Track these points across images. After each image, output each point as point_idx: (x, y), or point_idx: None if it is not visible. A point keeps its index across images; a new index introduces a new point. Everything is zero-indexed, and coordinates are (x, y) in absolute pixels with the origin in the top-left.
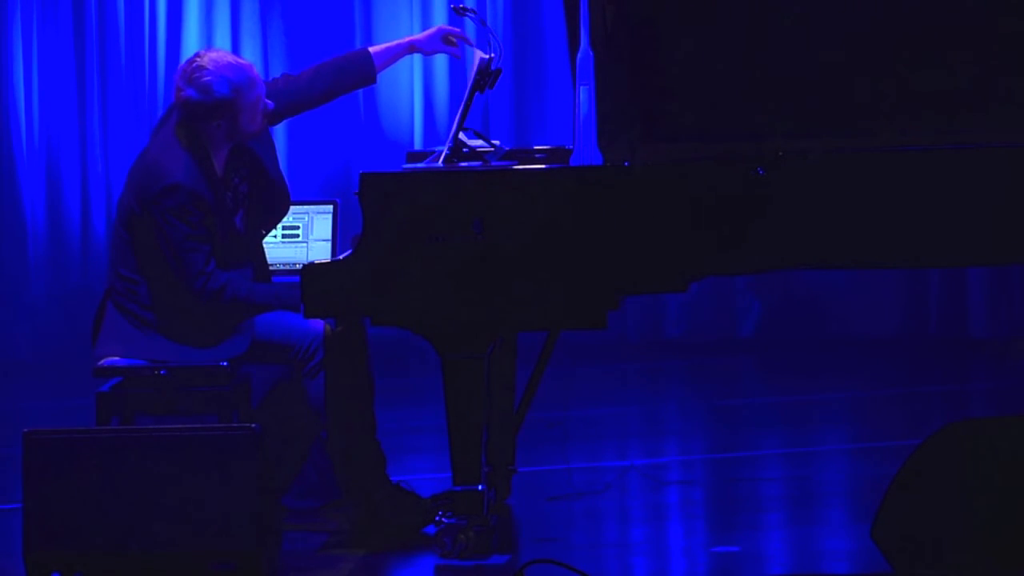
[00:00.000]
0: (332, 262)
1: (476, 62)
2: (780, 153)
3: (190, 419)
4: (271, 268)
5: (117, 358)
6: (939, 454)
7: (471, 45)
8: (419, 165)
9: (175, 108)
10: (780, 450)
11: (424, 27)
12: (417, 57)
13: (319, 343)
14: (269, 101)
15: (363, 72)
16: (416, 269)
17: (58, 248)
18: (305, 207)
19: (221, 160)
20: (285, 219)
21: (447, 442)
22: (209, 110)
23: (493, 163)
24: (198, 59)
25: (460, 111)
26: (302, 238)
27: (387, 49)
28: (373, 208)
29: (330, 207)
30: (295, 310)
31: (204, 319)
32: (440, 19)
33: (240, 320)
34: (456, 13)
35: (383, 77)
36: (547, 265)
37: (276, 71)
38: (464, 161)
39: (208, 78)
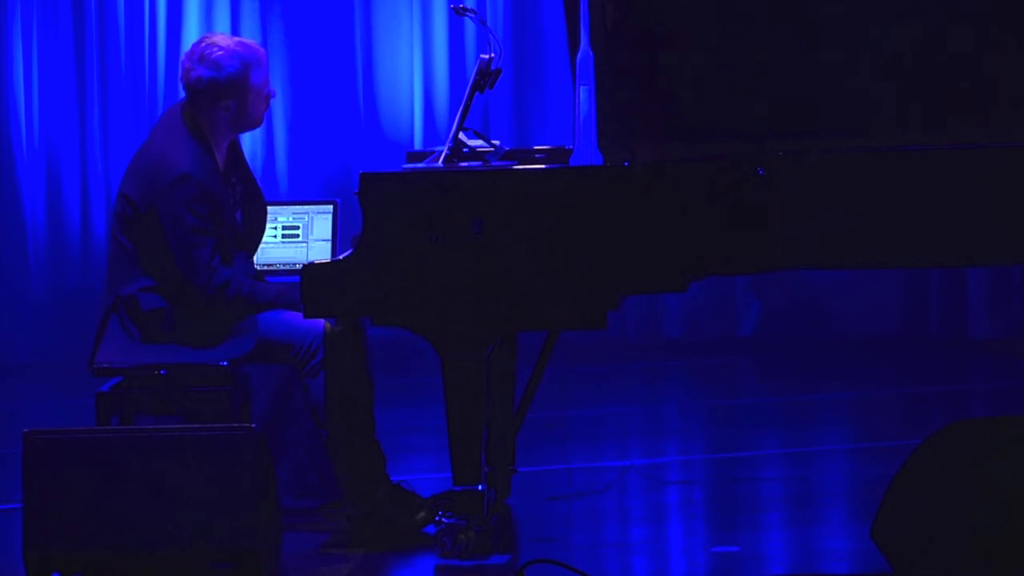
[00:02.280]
0: (332, 262)
1: (476, 62)
2: (780, 153)
3: (190, 419)
4: (271, 268)
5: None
6: (939, 454)
7: None
8: (419, 165)
9: (182, 97)
10: (780, 450)
11: (424, 27)
12: (417, 57)
13: (320, 342)
14: (273, 88)
15: None
16: (416, 269)
17: (58, 248)
18: (305, 207)
19: (222, 155)
20: (285, 219)
21: (447, 442)
22: (220, 89)
23: (493, 163)
24: (207, 39)
25: (460, 111)
26: (302, 238)
27: None
28: (373, 208)
29: (330, 207)
30: (296, 309)
31: (212, 318)
32: (440, 19)
33: (244, 319)
34: (456, 13)
35: (383, 76)
36: (547, 265)
37: (276, 71)
38: (464, 161)
39: (219, 54)
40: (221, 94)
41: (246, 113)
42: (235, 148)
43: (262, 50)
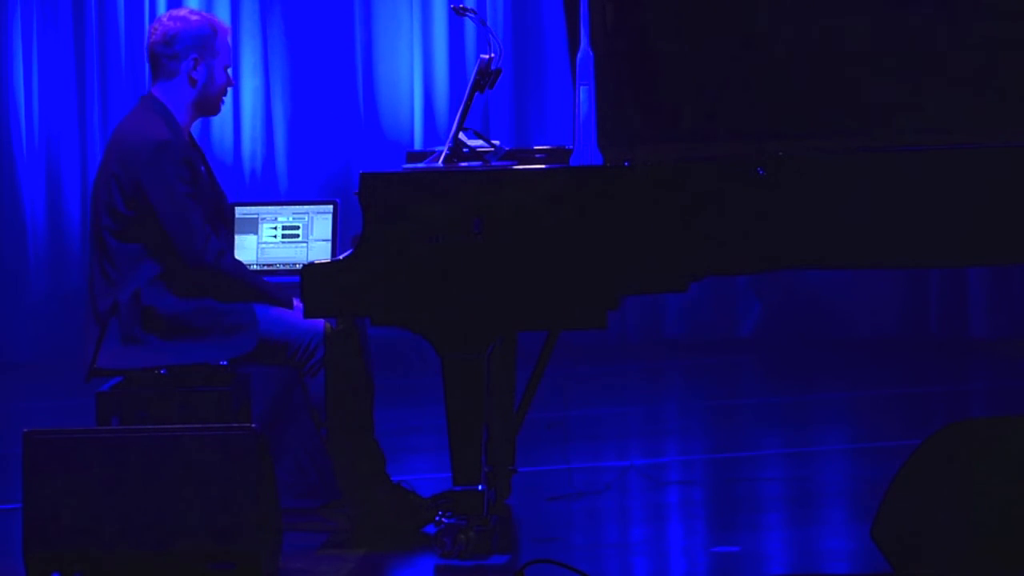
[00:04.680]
0: (332, 262)
1: (476, 62)
2: (780, 153)
3: (190, 419)
4: (271, 268)
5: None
6: (939, 454)
7: None
8: (419, 165)
9: (149, 65)
10: (780, 450)
11: (424, 27)
12: (417, 57)
13: (319, 340)
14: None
15: None
16: (416, 269)
17: (58, 248)
18: (305, 207)
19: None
20: (285, 219)
21: (447, 442)
22: (187, 40)
23: (493, 163)
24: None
25: (460, 111)
26: (302, 238)
27: None
28: (373, 208)
29: (330, 207)
30: (286, 306)
31: (216, 308)
32: (440, 19)
33: (244, 315)
34: (456, 13)
35: (383, 76)
36: (547, 265)
37: (276, 71)
38: (464, 161)
39: (185, 12)
40: (189, 45)
41: (211, 82)
42: (192, 138)
43: (228, 27)
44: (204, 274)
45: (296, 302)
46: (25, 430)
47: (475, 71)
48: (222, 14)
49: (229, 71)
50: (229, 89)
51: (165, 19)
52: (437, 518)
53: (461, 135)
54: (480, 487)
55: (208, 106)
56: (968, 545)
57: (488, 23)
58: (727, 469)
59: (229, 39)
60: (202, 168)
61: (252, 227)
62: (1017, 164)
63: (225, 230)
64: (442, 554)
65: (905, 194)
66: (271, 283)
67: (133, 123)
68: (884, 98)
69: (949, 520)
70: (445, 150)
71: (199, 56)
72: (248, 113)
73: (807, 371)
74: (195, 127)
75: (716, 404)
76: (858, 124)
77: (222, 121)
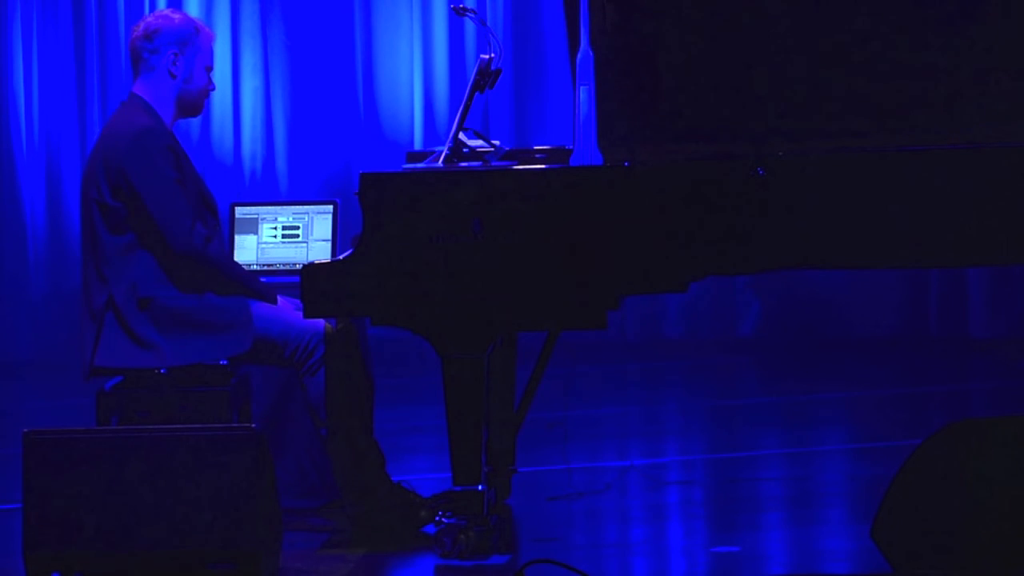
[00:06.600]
0: (332, 262)
1: (476, 62)
2: (780, 153)
3: (190, 419)
4: (271, 268)
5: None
6: (939, 454)
7: None
8: (419, 165)
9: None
10: (780, 450)
11: (424, 27)
12: (417, 57)
13: (319, 339)
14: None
15: None
16: (416, 269)
17: (58, 248)
18: (305, 207)
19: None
20: (285, 219)
21: (447, 442)
22: (169, 34)
23: (493, 163)
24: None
25: (460, 111)
26: (302, 238)
27: None
28: (373, 208)
29: (330, 207)
30: (270, 302)
31: (212, 304)
32: (440, 19)
33: (240, 313)
34: (456, 13)
35: (383, 76)
36: (547, 265)
37: (276, 71)
38: (464, 161)
39: (168, 11)
40: (169, 40)
41: (191, 79)
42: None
43: (213, 33)
44: (191, 259)
45: (287, 301)
46: (25, 430)
47: (475, 71)
48: (222, 14)
49: (212, 75)
50: (211, 93)
51: (149, 17)
52: (437, 518)
53: (461, 135)
54: (480, 487)
55: (189, 105)
56: (968, 545)
57: (488, 23)
58: (727, 469)
59: (213, 44)
60: (184, 165)
61: (252, 227)
62: (1017, 164)
63: (212, 220)
64: (442, 554)
65: (905, 194)
66: (260, 280)
67: (116, 120)
68: (884, 98)
69: (949, 520)
70: (445, 150)
71: (179, 51)
72: (248, 113)
73: (807, 371)
74: (196, 126)
75: (716, 404)
76: (858, 124)
77: (222, 121)
